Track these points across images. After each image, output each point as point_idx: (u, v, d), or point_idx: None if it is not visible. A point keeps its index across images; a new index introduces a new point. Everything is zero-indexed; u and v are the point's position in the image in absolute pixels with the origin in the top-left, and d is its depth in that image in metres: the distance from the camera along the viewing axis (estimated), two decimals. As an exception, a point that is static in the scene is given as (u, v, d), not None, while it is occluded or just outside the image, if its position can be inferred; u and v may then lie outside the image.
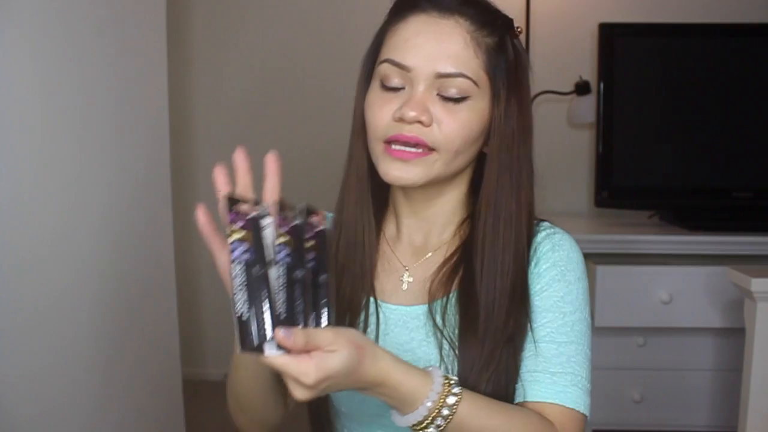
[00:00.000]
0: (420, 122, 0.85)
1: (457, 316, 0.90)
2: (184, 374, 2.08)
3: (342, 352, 0.69)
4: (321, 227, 0.76)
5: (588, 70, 2.72)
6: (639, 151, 2.48)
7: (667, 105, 2.47)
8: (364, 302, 0.95)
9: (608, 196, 2.47)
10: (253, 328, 0.68)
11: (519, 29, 0.93)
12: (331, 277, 0.74)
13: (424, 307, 0.93)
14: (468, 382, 0.85)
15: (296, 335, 0.67)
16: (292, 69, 2.93)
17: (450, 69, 0.85)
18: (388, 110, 0.87)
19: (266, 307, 0.69)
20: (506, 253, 0.89)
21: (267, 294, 0.69)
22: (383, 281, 0.97)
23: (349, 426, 0.98)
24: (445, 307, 0.91)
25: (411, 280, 0.96)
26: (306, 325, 0.71)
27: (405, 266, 0.97)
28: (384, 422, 0.94)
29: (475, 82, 0.87)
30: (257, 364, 0.89)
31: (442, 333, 0.89)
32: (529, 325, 0.89)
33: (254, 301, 0.68)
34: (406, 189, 0.94)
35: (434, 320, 0.91)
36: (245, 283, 0.69)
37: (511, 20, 0.92)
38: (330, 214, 0.82)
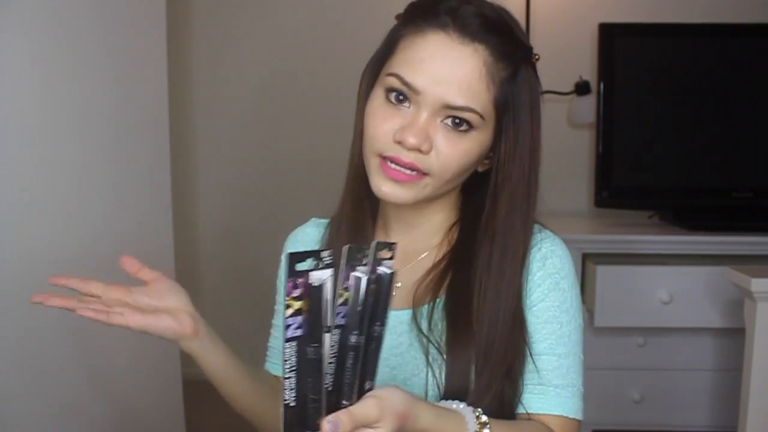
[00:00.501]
0: (419, 150, 0.83)
1: (444, 322, 0.89)
2: (184, 374, 2.08)
3: (385, 429, 0.68)
4: (386, 269, 0.70)
5: (588, 70, 2.72)
6: (639, 151, 2.48)
7: (667, 105, 2.47)
8: None
9: (608, 196, 2.46)
10: (298, 416, 0.66)
11: (537, 57, 0.90)
12: (385, 322, 0.70)
13: (410, 312, 0.92)
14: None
15: (343, 424, 0.65)
16: (292, 69, 2.92)
17: (459, 102, 0.83)
18: (389, 127, 0.85)
19: (314, 395, 0.66)
20: (510, 288, 0.88)
21: (318, 377, 0.66)
22: None
23: None
24: (432, 313, 0.90)
25: (399, 284, 0.95)
26: (352, 393, 0.68)
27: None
28: None
29: (481, 116, 0.85)
30: (244, 393, 0.95)
31: (428, 338, 0.89)
32: (527, 347, 0.89)
33: (301, 385, 0.66)
34: None
35: (419, 325, 0.90)
36: (294, 366, 0.65)
37: (529, 49, 0.89)
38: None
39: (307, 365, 0.66)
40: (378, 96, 0.87)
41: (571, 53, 2.77)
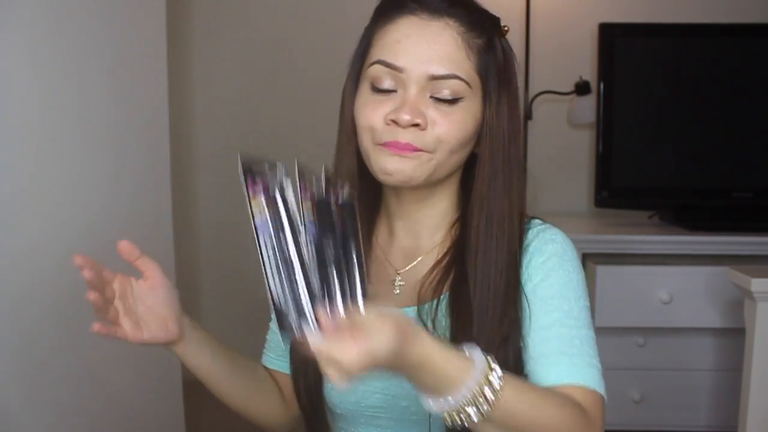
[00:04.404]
0: (415, 125, 0.85)
1: (449, 319, 0.89)
2: (184, 374, 2.07)
3: (388, 339, 0.64)
4: (345, 194, 0.71)
5: (588, 70, 2.72)
6: (639, 151, 2.48)
7: (667, 105, 2.47)
8: None
9: (608, 196, 2.46)
10: (292, 310, 0.64)
11: (506, 28, 0.93)
12: (361, 247, 0.70)
13: (414, 309, 0.93)
14: None
15: (342, 321, 0.64)
16: (292, 68, 2.93)
17: (443, 71, 0.85)
18: (380, 113, 0.86)
19: (302, 285, 0.65)
20: (499, 253, 0.89)
21: (301, 269, 0.65)
22: (376, 286, 0.96)
23: (346, 428, 0.98)
24: (436, 310, 0.91)
25: (403, 284, 0.96)
26: (344, 300, 0.67)
27: (397, 270, 0.97)
28: (379, 423, 0.95)
29: (467, 83, 0.87)
30: (228, 381, 0.97)
31: (434, 335, 0.89)
32: (526, 319, 0.88)
33: (286, 283, 0.65)
34: (399, 191, 0.94)
35: (424, 323, 0.90)
36: (274, 266, 0.65)
37: (497, 20, 0.92)
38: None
39: (288, 263, 0.65)
40: (365, 90, 0.89)
41: (571, 53, 2.77)
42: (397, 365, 0.68)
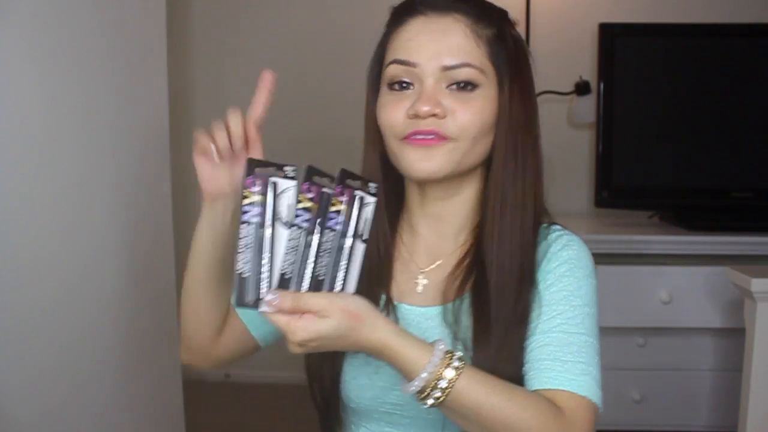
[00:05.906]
0: (434, 115, 0.87)
1: (471, 318, 0.91)
2: (184, 374, 2.08)
3: (331, 320, 0.73)
4: (358, 192, 0.77)
5: (588, 70, 2.72)
6: (639, 151, 2.49)
7: (667, 105, 2.47)
8: (382, 303, 0.97)
9: (608, 196, 2.47)
10: (251, 286, 0.72)
11: (515, 20, 0.97)
12: (359, 243, 0.77)
13: (439, 309, 0.95)
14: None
15: (284, 299, 0.72)
16: (292, 68, 2.93)
17: (454, 61, 0.88)
18: (401, 109, 0.89)
19: (266, 267, 0.73)
20: (513, 235, 0.92)
21: (269, 254, 0.72)
22: (400, 283, 0.99)
23: (357, 423, 0.99)
24: (459, 309, 0.93)
25: (426, 282, 0.98)
26: (313, 288, 0.74)
27: (420, 269, 0.99)
28: (393, 419, 0.95)
29: (481, 71, 0.90)
30: (206, 270, 0.93)
31: (456, 335, 0.91)
32: (537, 312, 0.90)
33: (255, 261, 0.72)
34: (423, 188, 0.96)
35: (448, 322, 0.93)
36: (249, 244, 0.72)
37: (505, 12, 0.96)
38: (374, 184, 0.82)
39: (261, 245, 0.73)
40: (384, 92, 0.93)
41: (571, 53, 2.77)
42: (358, 347, 0.77)
